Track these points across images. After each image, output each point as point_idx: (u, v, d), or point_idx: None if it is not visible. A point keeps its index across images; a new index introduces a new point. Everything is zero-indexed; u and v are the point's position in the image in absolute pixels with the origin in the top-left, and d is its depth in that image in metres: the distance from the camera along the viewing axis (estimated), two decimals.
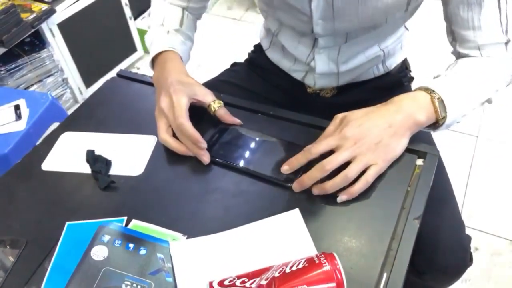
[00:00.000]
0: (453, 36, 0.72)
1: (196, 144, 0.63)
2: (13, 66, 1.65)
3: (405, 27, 0.86)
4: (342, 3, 0.68)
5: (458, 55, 0.73)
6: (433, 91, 0.62)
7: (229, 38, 2.32)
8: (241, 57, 1.07)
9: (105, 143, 0.69)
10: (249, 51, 1.04)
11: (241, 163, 0.63)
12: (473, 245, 1.41)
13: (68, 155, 0.68)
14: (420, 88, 0.64)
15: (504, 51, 0.68)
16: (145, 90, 0.79)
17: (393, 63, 0.89)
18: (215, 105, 0.69)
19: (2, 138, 1.19)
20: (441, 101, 0.62)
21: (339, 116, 0.63)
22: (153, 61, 0.78)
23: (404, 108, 0.61)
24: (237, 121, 0.69)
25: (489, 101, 0.69)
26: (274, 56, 0.93)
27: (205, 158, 0.64)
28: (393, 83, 0.92)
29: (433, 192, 0.66)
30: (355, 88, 0.90)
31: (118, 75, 0.83)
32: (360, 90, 0.90)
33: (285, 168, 0.61)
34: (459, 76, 0.67)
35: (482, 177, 1.62)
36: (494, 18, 0.66)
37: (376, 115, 0.61)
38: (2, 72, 1.62)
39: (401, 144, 0.61)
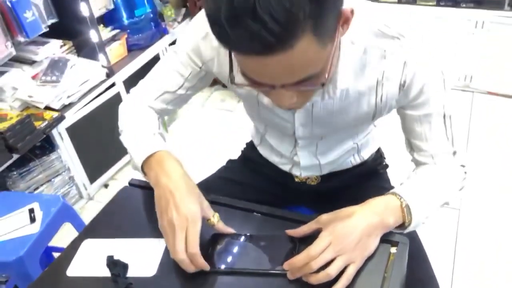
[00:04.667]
0: (411, 146, 0.87)
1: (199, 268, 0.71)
2: (24, 169, 1.79)
3: (374, 124, 1.02)
4: (320, 113, 0.82)
5: (416, 162, 0.87)
6: (402, 197, 0.74)
7: (225, 127, 2.51)
8: (236, 145, 1.20)
9: (122, 248, 0.79)
10: (242, 149, 1.19)
11: (241, 266, 0.72)
12: None
13: (89, 261, 0.78)
14: (391, 193, 0.76)
15: (453, 159, 0.83)
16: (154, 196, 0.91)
17: (367, 153, 1.04)
18: (215, 219, 0.76)
19: (17, 241, 1.28)
20: (408, 207, 0.74)
21: (323, 219, 0.73)
22: (144, 163, 0.79)
23: (378, 212, 0.72)
24: (232, 231, 0.77)
25: (446, 203, 0.82)
26: (264, 151, 1.07)
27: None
28: (369, 171, 1.07)
29: (414, 274, 0.76)
30: (336, 177, 1.03)
31: (130, 184, 0.95)
32: (341, 178, 1.04)
33: (287, 268, 0.69)
34: (421, 185, 0.80)
35: (469, 249, 1.71)
36: (441, 133, 0.81)
37: (357, 219, 0.71)
38: (15, 175, 1.75)
39: (375, 243, 0.71)
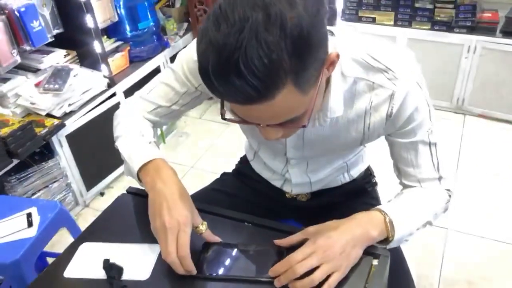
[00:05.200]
0: (399, 171, 0.91)
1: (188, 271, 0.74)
2: (23, 175, 1.82)
3: (363, 145, 1.06)
4: (310, 137, 0.87)
5: (404, 186, 0.91)
6: (386, 213, 0.79)
7: (221, 139, 2.56)
8: (231, 159, 1.24)
9: (118, 252, 0.82)
10: (236, 162, 1.23)
11: (230, 273, 0.76)
12: None
13: (86, 263, 0.81)
14: (376, 209, 0.81)
15: (438, 184, 0.88)
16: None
17: (356, 172, 1.08)
18: (202, 227, 0.79)
19: (14, 244, 1.31)
20: (391, 222, 0.78)
21: (310, 230, 0.78)
22: (140, 169, 0.83)
23: (363, 225, 0.77)
24: (218, 239, 0.81)
25: (429, 223, 0.86)
26: (257, 167, 1.11)
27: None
28: (358, 189, 1.11)
29: (395, 286, 0.80)
30: (326, 194, 1.08)
31: (128, 191, 0.99)
32: (330, 195, 1.08)
33: (271, 274, 0.73)
34: (405, 203, 0.85)
35: (455, 268, 1.74)
36: (427, 159, 0.86)
37: (342, 230, 0.76)
38: (14, 181, 1.78)
39: (358, 254, 0.76)
